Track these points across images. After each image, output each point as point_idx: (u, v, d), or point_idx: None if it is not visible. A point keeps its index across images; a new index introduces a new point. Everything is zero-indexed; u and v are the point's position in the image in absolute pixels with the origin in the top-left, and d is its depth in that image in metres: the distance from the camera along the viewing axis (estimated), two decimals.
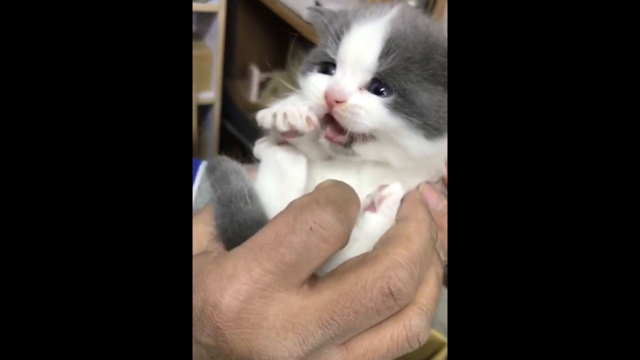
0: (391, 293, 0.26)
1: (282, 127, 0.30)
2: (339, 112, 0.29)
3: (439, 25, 0.32)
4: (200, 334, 0.26)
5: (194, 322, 0.26)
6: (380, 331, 0.27)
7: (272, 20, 1.86)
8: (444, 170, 0.32)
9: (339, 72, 0.30)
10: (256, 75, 2.09)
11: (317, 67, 0.32)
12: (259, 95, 2.12)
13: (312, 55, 0.33)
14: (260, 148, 0.34)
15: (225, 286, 0.25)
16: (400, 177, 0.31)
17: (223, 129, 2.19)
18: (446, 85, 0.29)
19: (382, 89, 0.29)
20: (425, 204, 0.30)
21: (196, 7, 1.88)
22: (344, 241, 0.26)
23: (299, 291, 0.26)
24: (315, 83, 0.31)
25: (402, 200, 0.31)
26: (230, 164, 0.33)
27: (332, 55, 0.31)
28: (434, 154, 0.30)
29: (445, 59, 0.29)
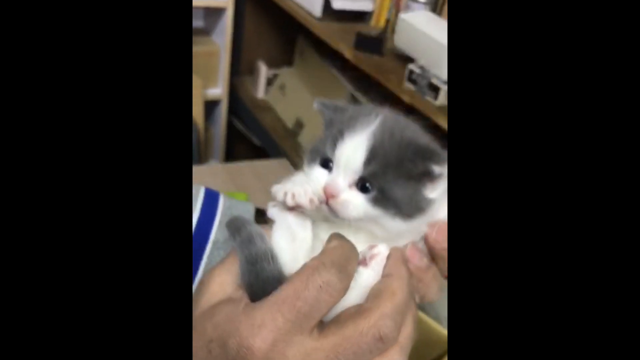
0: (381, 338, 0.34)
1: (290, 203, 0.38)
2: (332, 204, 0.38)
3: (413, 127, 0.41)
4: None
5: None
6: None
7: (280, 16, 1.86)
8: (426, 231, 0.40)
9: (335, 171, 0.39)
10: (264, 71, 2.09)
11: (319, 161, 0.40)
12: (267, 91, 2.12)
13: (317, 146, 0.41)
14: (274, 212, 0.40)
15: (256, 333, 0.32)
16: (389, 239, 0.40)
17: (230, 125, 2.19)
18: (418, 178, 0.38)
19: (367, 186, 0.38)
20: (405, 262, 0.39)
21: (204, 2, 1.88)
22: (344, 293, 0.35)
23: (311, 335, 0.33)
24: (317, 177, 0.40)
25: (387, 257, 0.39)
26: (254, 227, 0.39)
27: (329, 155, 0.39)
28: (411, 229, 0.39)
29: (416, 157, 0.38)
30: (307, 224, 0.40)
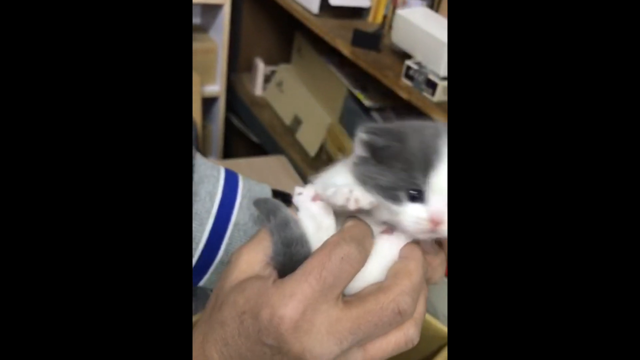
0: (400, 312, 0.37)
1: (353, 207, 0.39)
2: (441, 230, 0.38)
3: None
4: (267, 338, 0.35)
5: (261, 329, 0.35)
6: (388, 337, 0.38)
7: (277, 12, 1.85)
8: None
9: (434, 198, 0.38)
10: (261, 68, 2.08)
11: (405, 196, 0.39)
12: (264, 88, 2.11)
13: (389, 182, 0.39)
14: (300, 200, 0.42)
15: (287, 303, 0.35)
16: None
17: (228, 123, 2.19)
18: None
19: None
20: (420, 248, 0.41)
21: None
22: (363, 264, 0.38)
23: (336, 304, 0.36)
24: (416, 214, 0.39)
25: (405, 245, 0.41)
26: (287, 211, 0.42)
27: (422, 188, 0.38)
28: None
29: None
30: (331, 213, 0.42)
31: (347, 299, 0.37)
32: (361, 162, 0.41)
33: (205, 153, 2.21)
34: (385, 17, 1.56)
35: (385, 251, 0.40)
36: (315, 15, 1.59)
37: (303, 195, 0.42)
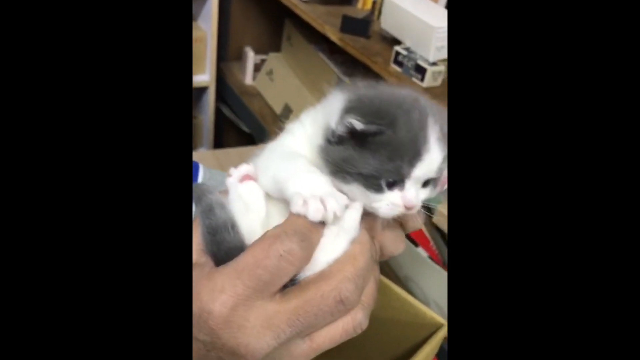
0: (341, 300, 0.35)
1: (330, 222, 0.36)
2: (411, 213, 0.38)
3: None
4: (198, 333, 0.34)
5: (193, 324, 0.34)
6: (335, 324, 0.36)
7: (267, 0, 1.83)
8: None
9: (411, 185, 0.37)
10: (251, 57, 2.06)
11: (384, 184, 0.37)
12: (254, 77, 2.09)
13: (372, 170, 0.37)
14: (229, 182, 0.40)
15: (216, 298, 0.33)
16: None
17: (219, 112, 2.17)
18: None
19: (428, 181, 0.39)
20: (367, 230, 0.39)
21: None
22: (307, 261, 0.35)
23: (272, 299, 0.34)
24: (393, 200, 0.37)
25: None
26: (214, 196, 0.39)
27: (406, 176, 0.37)
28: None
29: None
30: (259, 195, 0.39)
31: (286, 290, 0.35)
32: (337, 142, 0.37)
33: (195, 143, 2.19)
34: (374, 3, 1.55)
35: (334, 245, 0.37)
36: (304, 1, 1.57)
37: (233, 177, 0.40)
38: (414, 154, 0.36)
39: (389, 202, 0.37)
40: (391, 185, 0.37)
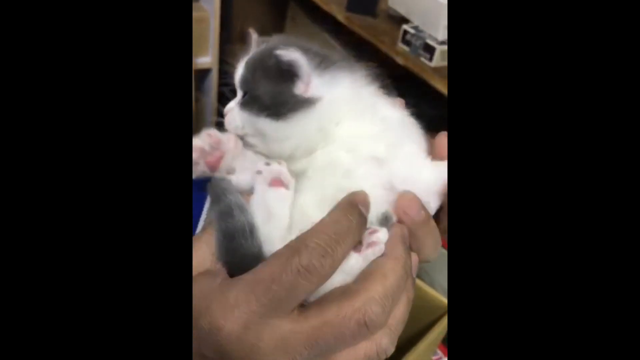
0: (366, 324, 0.31)
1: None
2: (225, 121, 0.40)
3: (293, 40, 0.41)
4: (206, 350, 0.31)
5: (200, 339, 0.31)
6: (356, 348, 0.33)
7: None
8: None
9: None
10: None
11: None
12: None
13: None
14: (257, 180, 0.36)
15: (227, 314, 0.31)
16: (359, 183, 0.36)
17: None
18: (282, 76, 0.37)
19: (244, 96, 0.39)
20: (404, 241, 0.35)
21: None
22: (327, 278, 0.32)
23: (288, 317, 0.31)
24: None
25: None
26: (234, 197, 0.36)
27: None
28: (291, 135, 0.37)
29: (271, 53, 0.38)
30: (286, 205, 0.36)
31: (305, 307, 0.32)
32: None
33: (198, 127, 2.17)
34: None
35: (354, 267, 0.34)
36: None
37: (262, 175, 0.36)
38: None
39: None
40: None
